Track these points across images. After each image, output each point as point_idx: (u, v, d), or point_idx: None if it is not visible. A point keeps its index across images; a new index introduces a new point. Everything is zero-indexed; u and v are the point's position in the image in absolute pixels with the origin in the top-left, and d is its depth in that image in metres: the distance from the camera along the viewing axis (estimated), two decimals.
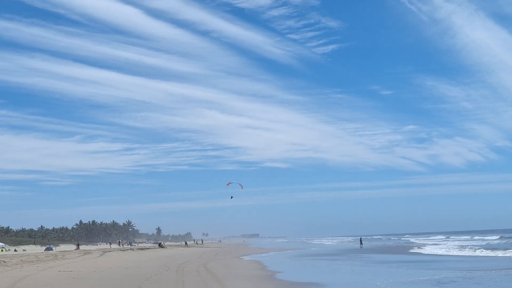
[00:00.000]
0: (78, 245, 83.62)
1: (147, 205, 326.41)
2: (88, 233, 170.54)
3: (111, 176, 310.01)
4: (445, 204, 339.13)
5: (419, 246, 66.23)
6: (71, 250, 63.49)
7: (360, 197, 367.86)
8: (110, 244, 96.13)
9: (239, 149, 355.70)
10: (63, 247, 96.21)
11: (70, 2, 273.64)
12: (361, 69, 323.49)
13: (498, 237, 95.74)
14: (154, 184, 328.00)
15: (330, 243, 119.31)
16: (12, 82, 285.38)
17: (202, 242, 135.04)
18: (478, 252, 45.55)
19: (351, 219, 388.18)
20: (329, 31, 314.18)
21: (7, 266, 28.38)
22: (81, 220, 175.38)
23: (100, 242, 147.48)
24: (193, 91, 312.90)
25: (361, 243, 76.23)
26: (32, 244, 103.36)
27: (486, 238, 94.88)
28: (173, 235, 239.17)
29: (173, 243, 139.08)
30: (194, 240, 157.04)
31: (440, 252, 50.21)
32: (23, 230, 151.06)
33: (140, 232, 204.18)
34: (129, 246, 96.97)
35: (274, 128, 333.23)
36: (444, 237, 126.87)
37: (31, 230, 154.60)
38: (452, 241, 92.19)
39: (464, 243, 71.07)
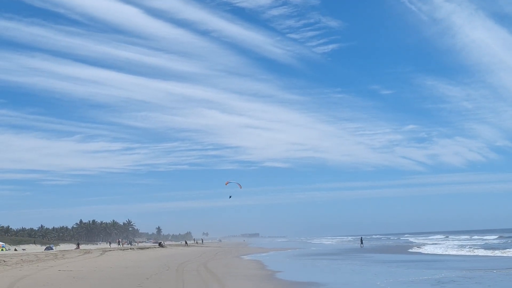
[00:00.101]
0: (78, 244, 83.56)
1: (147, 204, 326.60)
2: (88, 232, 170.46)
3: (111, 175, 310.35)
4: (445, 204, 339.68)
5: (419, 246, 66.23)
6: (71, 250, 63.44)
7: (360, 196, 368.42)
8: (110, 243, 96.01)
9: (239, 148, 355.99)
10: (63, 246, 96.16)
11: (70, 1, 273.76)
12: (361, 68, 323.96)
13: (496, 236, 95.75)
14: (154, 183, 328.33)
15: (330, 242, 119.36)
16: (12, 81, 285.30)
17: (202, 241, 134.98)
18: (477, 252, 45.53)
19: (351, 219, 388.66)
20: (329, 30, 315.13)
21: (7, 265, 28.32)
22: (81, 220, 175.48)
23: (100, 242, 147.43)
24: (193, 90, 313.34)
25: (361, 243, 76.14)
26: (32, 243, 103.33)
27: (485, 237, 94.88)
28: (173, 235, 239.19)
29: (173, 243, 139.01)
30: (194, 240, 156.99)
31: (439, 251, 50.20)
32: (23, 230, 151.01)
33: (140, 231, 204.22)
34: (129, 245, 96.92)
35: (274, 127, 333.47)
36: (443, 236, 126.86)
37: (31, 229, 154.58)
38: (452, 240, 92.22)
39: (463, 243, 71.05)
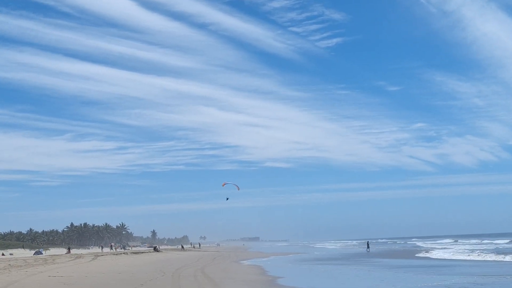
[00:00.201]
0: (69, 248, 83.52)
1: (141, 207, 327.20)
2: (79, 236, 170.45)
3: (104, 176, 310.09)
4: (454, 206, 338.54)
5: (427, 250, 66.22)
6: (62, 254, 63.37)
7: (365, 198, 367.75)
8: (102, 248, 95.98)
9: (238, 148, 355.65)
10: (53, 251, 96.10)
11: None
12: (366, 63, 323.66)
13: (508, 240, 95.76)
14: (149, 184, 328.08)
15: (334, 247, 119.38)
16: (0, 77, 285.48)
17: (199, 245, 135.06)
18: (488, 257, 45.51)
19: (355, 222, 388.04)
20: (333, 23, 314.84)
21: None
22: (72, 223, 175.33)
23: (92, 246, 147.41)
24: (190, 87, 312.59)
25: (368, 247, 76.18)
26: (20, 247, 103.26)
27: (496, 242, 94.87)
28: (169, 239, 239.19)
29: (169, 247, 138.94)
30: (191, 244, 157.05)
31: (448, 256, 50.19)
32: (11, 233, 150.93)
33: (134, 235, 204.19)
34: (123, 250, 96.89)
35: (275, 126, 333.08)
36: (452, 240, 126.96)
37: (20, 233, 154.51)
38: (461, 245, 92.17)
39: (473, 247, 71.04)
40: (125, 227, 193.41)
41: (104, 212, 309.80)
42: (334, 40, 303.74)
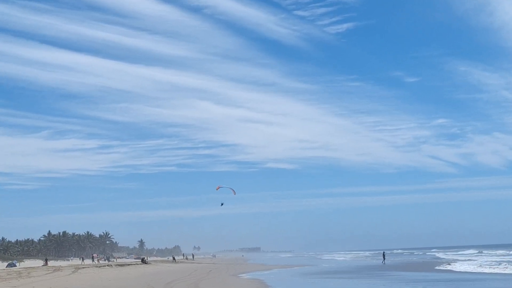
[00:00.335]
0: (46, 260, 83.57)
1: (127, 213, 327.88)
2: (58, 246, 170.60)
3: (85, 178, 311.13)
4: (480, 213, 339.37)
5: (449, 262, 66.36)
6: (38, 267, 63.40)
7: (378, 204, 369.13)
8: (83, 259, 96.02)
9: (236, 146, 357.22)
10: (28, 263, 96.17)
11: None
12: (380, 52, 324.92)
13: None
14: (136, 188, 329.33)
15: (344, 258, 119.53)
16: None
17: (193, 257, 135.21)
18: None
19: (367, 231, 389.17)
20: (343, 6, 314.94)
21: None
22: (49, 231, 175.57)
23: (72, 257, 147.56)
24: (182, 78, 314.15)
25: (383, 259, 76.72)
26: None
27: None
28: (158, 249, 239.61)
29: (159, 259, 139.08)
30: (183, 255, 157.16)
31: (472, 269, 50.32)
32: None
33: (119, 245, 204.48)
34: (107, 261, 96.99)
35: (277, 121, 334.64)
36: (476, 251, 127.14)
37: None
38: (486, 256, 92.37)
39: (500, 259, 71.13)
40: (109, 236, 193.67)
41: (85, 219, 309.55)
42: (345, 25, 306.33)
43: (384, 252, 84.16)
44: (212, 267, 70.95)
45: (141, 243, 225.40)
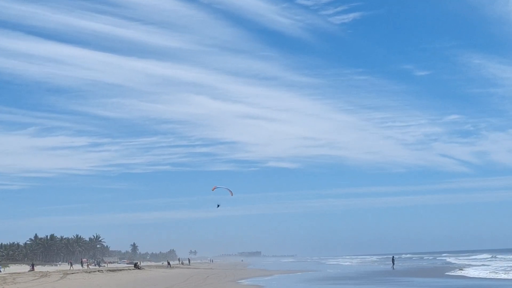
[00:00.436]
0: (32, 265, 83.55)
1: (119, 215, 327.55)
2: (45, 250, 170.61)
3: (75, 178, 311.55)
4: (494, 215, 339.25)
5: (461, 267, 66.38)
6: (24, 272, 63.35)
7: (386, 205, 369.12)
8: (71, 264, 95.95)
9: (235, 144, 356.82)
10: (13, 268, 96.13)
11: None
12: (389, 44, 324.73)
13: None
14: (129, 188, 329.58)
15: (350, 263, 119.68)
16: None
17: (189, 262, 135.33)
18: None
19: (374, 234, 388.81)
20: None
21: None
22: (36, 234, 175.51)
23: (60, 262, 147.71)
24: (177, 71, 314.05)
25: (393, 263, 77.00)
26: None
27: None
28: (152, 253, 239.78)
29: (153, 263, 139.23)
30: (179, 260, 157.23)
31: (485, 275, 50.37)
32: None
33: (110, 249, 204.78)
34: (97, 266, 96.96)
35: (279, 118, 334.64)
36: (489, 256, 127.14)
37: None
38: (500, 261, 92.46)
39: None
40: (100, 239, 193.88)
41: (75, 221, 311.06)
42: (351, 15, 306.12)
43: (393, 257, 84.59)
44: (209, 272, 70.93)
45: (134, 247, 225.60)
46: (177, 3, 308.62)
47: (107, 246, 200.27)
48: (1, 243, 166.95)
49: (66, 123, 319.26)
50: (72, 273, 56.63)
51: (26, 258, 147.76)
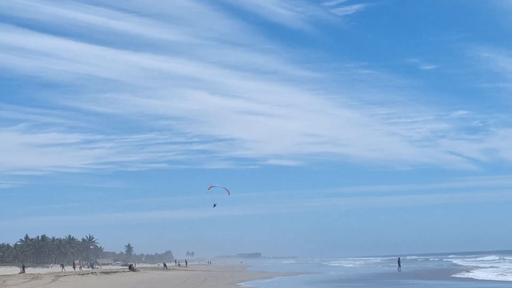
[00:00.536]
0: (23, 267, 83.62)
1: (114, 215, 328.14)
2: (36, 251, 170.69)
3: (67, 176, 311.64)
4: (503, 215, 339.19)
5: (468, 270, 66.49)
6: (14, 274, 63.34)
7: (391, 205, 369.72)
8: (63, 266, 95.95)
9: (234, 141, 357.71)
10: (3, 270, 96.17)
11: None
12: (394, 36, 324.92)
13: None
14: (123, 187, 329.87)
15: (353, 265, 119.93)
16: None
17: (186, 264, 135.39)
18: None
19: (379, 234, 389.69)
20: None
21: None
22: (27, 235, 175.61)
23: (52, 264, 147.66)
24: (174, 65, 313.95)
25: (399, 265, 77.27)
26: None
27: None
28: (148, 255, 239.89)
29: (148, 265, 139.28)
30: (175, 262, 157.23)
31: (493, 277, 50.44)
32: None
33: (104, 250, 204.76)
34: (90, 268, 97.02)
35: (280, 114, 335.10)
36: (497, 258, 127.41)
37: None
38: (509, 262, 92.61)
39: None
40: (93, 240, 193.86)
41: (67, 221, 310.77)
42: (354, 7, 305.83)
43: (399, 259, 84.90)
44: (207, 274, 70.93)
45: (129, 248, 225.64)
46: None
47: (100, 247, 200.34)
48: None
49: (58, 119, 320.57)
50: (64, 275, 56.63)
51: (16, 260, 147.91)
